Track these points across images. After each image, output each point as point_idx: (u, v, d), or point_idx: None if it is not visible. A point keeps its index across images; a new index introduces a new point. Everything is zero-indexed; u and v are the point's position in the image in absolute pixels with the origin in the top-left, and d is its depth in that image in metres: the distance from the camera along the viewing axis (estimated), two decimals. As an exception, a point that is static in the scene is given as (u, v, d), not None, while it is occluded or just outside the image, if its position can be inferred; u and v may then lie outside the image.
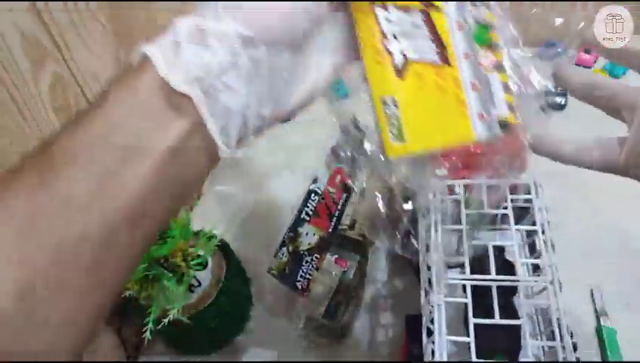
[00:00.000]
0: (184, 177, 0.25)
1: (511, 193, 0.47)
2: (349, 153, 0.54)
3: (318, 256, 0.47)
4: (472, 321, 0.39)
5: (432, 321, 0.40)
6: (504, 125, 0.28)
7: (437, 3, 0.28)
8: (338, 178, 0.51)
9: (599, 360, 0.54)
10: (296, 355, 0.58)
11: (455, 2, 0.28)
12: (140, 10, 0.62)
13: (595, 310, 0.57)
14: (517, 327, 0.40)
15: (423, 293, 0.43)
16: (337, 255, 0.57)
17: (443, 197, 0.46)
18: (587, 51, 0.85)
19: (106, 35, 0.57)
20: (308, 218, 0.48)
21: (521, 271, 0.42)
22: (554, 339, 0.39)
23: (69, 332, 0.24)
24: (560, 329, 0.39)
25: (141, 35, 0.63)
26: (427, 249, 0.44)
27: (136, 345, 0.60)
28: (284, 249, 0.47)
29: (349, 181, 0.52)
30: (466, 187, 0.47)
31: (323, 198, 0.49)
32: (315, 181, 0.50)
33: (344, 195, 0.51)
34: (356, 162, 0.54)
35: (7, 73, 0.44)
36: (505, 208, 0.46)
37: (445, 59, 0.27)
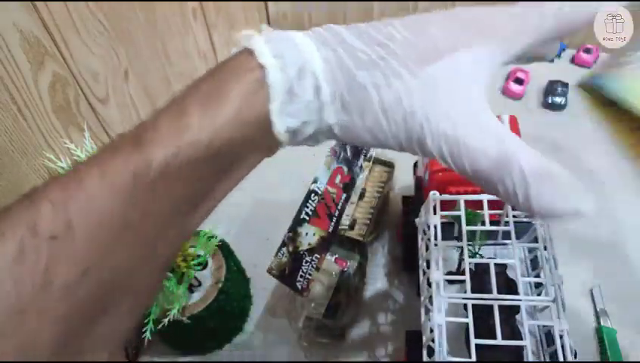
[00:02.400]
0: (240, 159, 0.27)
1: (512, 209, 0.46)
2: (349, 153, 0.54)
3: (318, 256, 0.47)
4: (474, 342, 0.38)
5: (433, 340, 0.39)
6: None
7: None
8: (338, 178, 0.51)
9: (599, 360, 0.54)
10: (296, 355, 0.58)
11: None
12: (140, 10, 0.62)
13: (595, 310, 0.57)
14: (520, 347, 0.39)
15: (423, 311, 0.43)
16: (337, 255, 0.57)
17: (444, 213, 0.45)
18: (587, 51, 0.85)
19: (106, 35, 0.57)
20: (308, 218, 0.48)
21: (523, 289, 0.41)
22: (557, 359, 0.38)
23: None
24: (563, 350, 0.38)
25: (141, 35, 0.63)
26: (427, 265, 0.43)
27: (136, 346, 0.60)
28: (284, 249, 0.47)
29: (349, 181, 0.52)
30: (467, 202, 0.45)
31: (323, 198, 0.49)
32: (315, 181, 0.50)
33: (344, 195, 0.51)
34: (356, 162, 0.54)
35: (7, 73, 0.44)
36: (507, 223, 0.45)
37: None
